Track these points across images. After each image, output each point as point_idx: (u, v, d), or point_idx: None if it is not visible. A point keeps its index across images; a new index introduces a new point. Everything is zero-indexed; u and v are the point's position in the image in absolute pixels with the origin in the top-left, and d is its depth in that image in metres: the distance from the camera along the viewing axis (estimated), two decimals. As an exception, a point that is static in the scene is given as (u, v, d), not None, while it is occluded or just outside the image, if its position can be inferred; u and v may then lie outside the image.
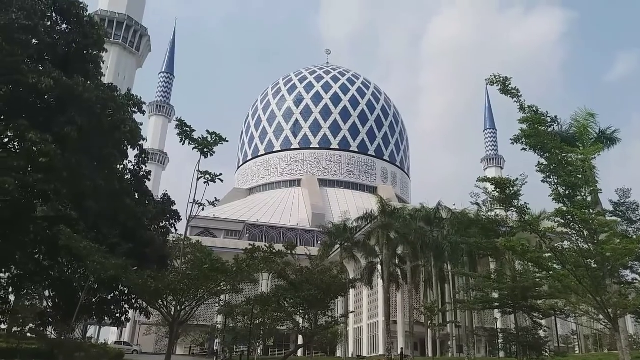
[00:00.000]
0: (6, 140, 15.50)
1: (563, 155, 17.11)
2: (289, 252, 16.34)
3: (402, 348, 37.16)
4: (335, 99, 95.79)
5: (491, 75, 17.42)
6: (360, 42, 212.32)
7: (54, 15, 15.62)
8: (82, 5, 15.45)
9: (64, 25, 16.02)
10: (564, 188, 16.93)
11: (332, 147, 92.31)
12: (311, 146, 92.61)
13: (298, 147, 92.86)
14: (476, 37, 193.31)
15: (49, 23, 15.37)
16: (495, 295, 24.38)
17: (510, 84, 16.97)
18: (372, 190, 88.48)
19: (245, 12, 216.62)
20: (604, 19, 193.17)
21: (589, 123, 23.16)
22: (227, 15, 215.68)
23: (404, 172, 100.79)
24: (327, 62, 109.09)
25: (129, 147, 18.55)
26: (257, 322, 35.61)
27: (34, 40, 14.80)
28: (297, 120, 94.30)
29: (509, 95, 17.17)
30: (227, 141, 16.45)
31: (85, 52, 16.25)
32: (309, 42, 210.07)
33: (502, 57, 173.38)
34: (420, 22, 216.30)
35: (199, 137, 16.05)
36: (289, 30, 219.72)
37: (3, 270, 20.44)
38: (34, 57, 14.88)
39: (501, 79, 17.03)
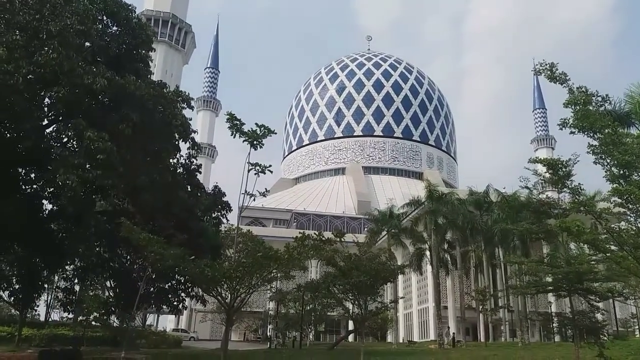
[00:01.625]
0: (65, 139, 16.40)
1: (617, 134, 16.46)
2: (338, 239, 16.54)
3: (454, 333, 36.90)
4: (378, 86, 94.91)
5: (537, 64, 16.87)
6: (401, 27, 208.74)
7: (104, 18, 16.36)
8: (130, 8, 16.09)
9: (114, 28, 16.75)
10: (618, 168, 16.32)
11: (375, 134, 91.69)
12: (354, 134, 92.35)
13: (341, 135, 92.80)
14: (520, 15, 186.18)
15: (100, 26, 16.12)
16: (549, 279, 23.82)
17: (557, 69, 16.37)
18: (418, 175, 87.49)
19: (284, 4, 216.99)
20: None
21: (645, 98, 22.08)
22: (267, 8, 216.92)
23: (451, 157, 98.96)
24: (369, 49, 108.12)
25: (181, 140, 19.19)
26: (308, 308, 36.26)
27: (87, 43, 15.55)
28: (339, 108, 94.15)
29: (557, 82, 16.60)
30: (276, 133, 16.79)
31: (135, 51, 16.94)
32: (350, 30, 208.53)
33: (550, 35, 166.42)
34: (461, 2, 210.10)
35: (249, 130, 16.42)
36: (329, 20, 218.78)
37: (68, 262, 21.78)
38: (88, 59, 15.61)
39: (547, 65, 16.47)
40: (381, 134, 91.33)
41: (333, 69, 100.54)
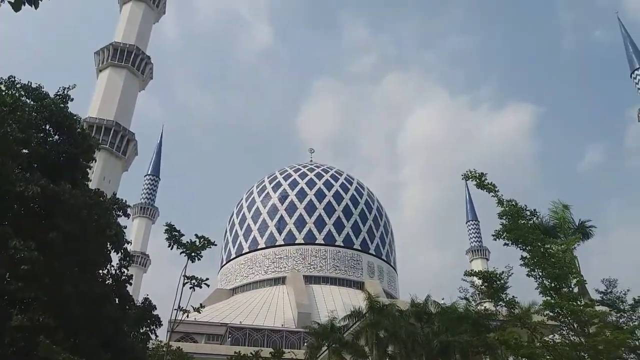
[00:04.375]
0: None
1: (545, 247, 17.37)
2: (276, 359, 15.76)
3: None
4: (320, 195, 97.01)
5: (467, 171, 18.01)
6: (340, 141, 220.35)
7: (47, 127, 16.26)
8: (75, 118, 16.15)
9: (57, 136, 16.62)
10: (549, 280, 17.00)
11: (317, 242, 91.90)
12: (296, 242, 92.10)
13: (283, 243, 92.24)
14: (450, 133, 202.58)
15: (41, 134, 15.95)
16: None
17: (486, 179, 17.52)
18: (359, 285, 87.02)
19: (228, 117, 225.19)
20: (571, 113, 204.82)
21: (566, 215, 23.79)
22: (212, 119, 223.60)
23: (390, 266, 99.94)
24: (311, 160, 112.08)
25: (113, 250, 18.44)
26: None
27: (24, 151, 15.24)
28: (282, 216, 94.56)
29: (485, 190, 17.68)
30: (215, 244, 16.50)
31: (74, 160, 16.70)
32: (292, 142, 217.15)
33: (477, 151, 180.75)
34: (395, 121, 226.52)
35: (187, 241, 16.07)
36: (273, 133, 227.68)
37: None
38: (24, 166, 15.20)
39: (477, 174, 17.57)
40: (323, 242, 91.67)
41: (276, 178, 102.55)
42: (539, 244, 18.23)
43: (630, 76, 76.76)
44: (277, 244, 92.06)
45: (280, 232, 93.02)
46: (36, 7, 6.65)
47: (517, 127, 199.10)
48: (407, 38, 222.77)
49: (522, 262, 18.37)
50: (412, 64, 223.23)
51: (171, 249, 16.18)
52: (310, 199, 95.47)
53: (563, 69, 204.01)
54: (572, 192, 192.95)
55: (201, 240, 16.17)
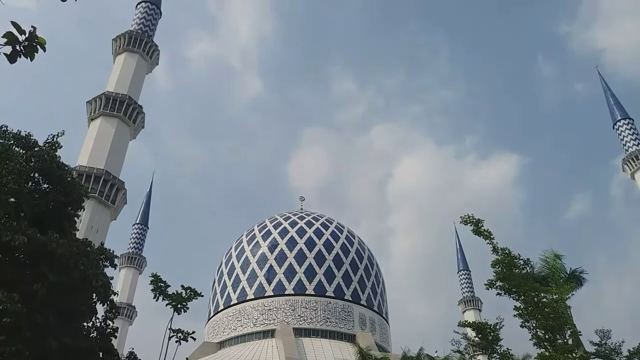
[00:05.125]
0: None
1: (539, 297, 17.22)
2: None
3: None
4: (310, 244, 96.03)
5: (465, 216, 18.05)
6: (330, 189, 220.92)
7: (36, 175, 16.20)
8: (66, 168, 16.11)
9: (45, 185, 16.53)
10: (543, 332, 16.77)
11: (307, 292, 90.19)
12: (286, 292, 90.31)
13: (272, 294, 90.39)
14: (437, 182, 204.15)
15: (31, 183, 15.86)
16: None
17: (482, 225, 17.58)
18: (351, 338, 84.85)
19: (218, 166, 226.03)
20: (555, 163, 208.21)
21: (558, 264, 23.76)
22: (201, 169, 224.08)
23: (382, 318, 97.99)
24: (302, 208, 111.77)
25: (99, 302, 18.00)
26: None
27: (11, 199, 15.10)
28: (271, 266, 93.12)
29: (481, 237, 17.69)
30: (202, 296, 16.16)
31: (63, 209, 16.55)
32: (282, 191, 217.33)
33: (465, 200, 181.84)
34: (384, 170, 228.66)
35: (174, 293, 15.72)
36: (261, 181, 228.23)
37: None
38: (11, 215, 15.01)
39: (474, 220, 17.63)
40: (313, 292, 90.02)
41: (266, 226, 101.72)
42: (533, 293, 18.09)
43: (613, 127, 78.84)
44: (266, 294, 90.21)
45: (269, 283, 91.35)
46: (32, 59, 6.74)
47: (503, 176, 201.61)
48: (394, 92, 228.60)
49: (516, 313, 18.14)
50: (399, 115, 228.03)
51: (157, 300, 15.80)
52: (301, 248, 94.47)
53: (546, 120, 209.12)
54: (559, 241, 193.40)
55: (187, 291, 15.83)
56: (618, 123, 77.93)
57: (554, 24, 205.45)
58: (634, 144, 74.48)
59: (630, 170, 72.51)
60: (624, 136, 76.57)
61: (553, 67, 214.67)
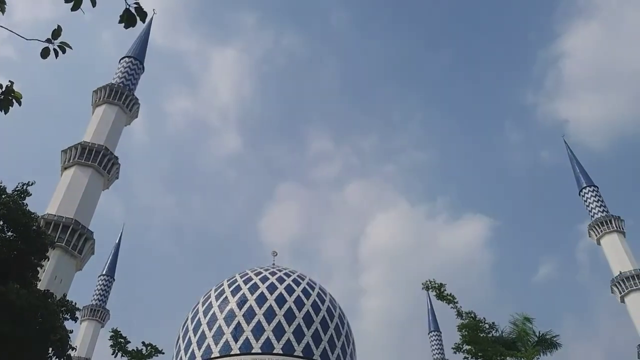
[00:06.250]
0: None
1: (505, 361, 17.28)
2: None
3: None
4: (281, 300, 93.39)
5: (427, 281, 18.27)
6: (302, 245, 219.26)
7: (1, 223, 15.92)
8: (33, 216, 15.93)
9: (10, 233, 16.23)
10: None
11: (275, 351, 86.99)
12: (252, 351, 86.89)
13: (238, 352, 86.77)
14: (409, 241, 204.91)
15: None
16: None
17: (445, 290, 17.77)
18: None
19: (190, 219, 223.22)
20: (523, 227, 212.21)
21: (527, 327, 23.94)
22: (173, 222, 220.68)
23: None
24: (274, 264, 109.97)
25: (55, 357, 17.31)
26: None
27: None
28: (239, 322, 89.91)
29: (444, 301, 17.86)
30: (163, 353, 15.81)
31: (26, 258, 16.19)
32: (255, 246, 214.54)
33: (436, 260, 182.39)
34: (357, 227, 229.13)
35: (133, 349, 15.29)
36: (234, 236, 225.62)
37: None
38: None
39: (436, 285, 17.85)
40: (281, 352, 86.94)
41: (236, 281, 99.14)
42: (499, 358, 18.19)
43: (579, 194, 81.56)
44: (232, 353, 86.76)
45: (236, 341, 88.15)
46: (6, 113, 6.96)
47: (474, 237, 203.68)
48: (369, 151, 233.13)
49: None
50: (373, 174, 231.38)
51: (115, 356, 15.34)
52: (271, 305, 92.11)
53: (515, 184, 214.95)
54: (528, 304, 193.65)
55: (148, 348, 15.47)
56: (584, 190, 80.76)
57: (521, 94, 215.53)
58: (599, 211, 76.97)
59: (596, 236, 74.58)
60: (589, 203, 79.19)
61: (520, 134, 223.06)
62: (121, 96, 59.53)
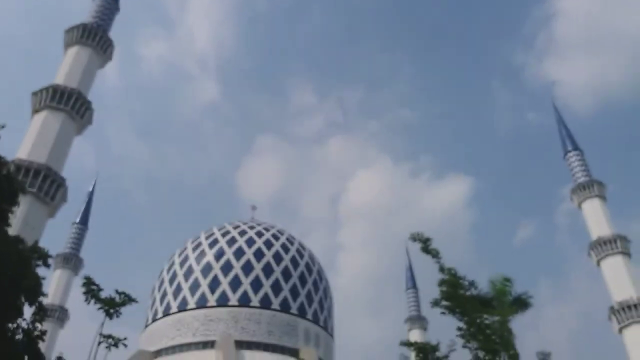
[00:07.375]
0: None
1: (482, 318, 17.43)
2: None
3: None
4: (259, 254, 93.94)
5: (414, 233, 18.22)
6: (282, 200, 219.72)
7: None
8: (2, 161, 15.05)
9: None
10: (483, 353, 16.95)
11: (252, 304, 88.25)
12: (229, 303, 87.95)
13: (215, 304, 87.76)
14: (391, 199, 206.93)
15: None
16: None
17: (430, 244, 17.77)
18: (294, 353, 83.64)
19: (166, 171, 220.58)
20: (505, 188, 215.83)
21: (506, 287, 24.21)
22: (148, 172, 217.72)
23: (328, 333, 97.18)
24: (252, 218, 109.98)
25: (27, 303, 16.84)
26: None
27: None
28: (216, 275, 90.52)
29: (429, 255, 17.87)
30: (137, 301, 15.48)
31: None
32: (233, 199, 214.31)
33: (418, 219, 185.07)
34: (338, 184, 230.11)
35: (107, 297, 14.90)
36: (211, 189, 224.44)
37: None
38: None
39: (423, 238, 17.84)
40: (258, 304, 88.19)
41: (214, 234, 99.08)
42: (476, 314, 18.28)
43: (564, 157, 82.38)
44: (208, 304, 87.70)
45: (212, 292, 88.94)
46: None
47: (456, 197, 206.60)
48: (353, 106, 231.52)
49: (459, 333, 18.30)
50: (357, 130, 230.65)
51: (88, 303, 14.97)
52: (249, 258, 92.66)
53: (499, 146, 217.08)
54: (506, 266, 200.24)
55: (121, 296, 15.09)
56: (569, 154, 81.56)
57: (510, 53, 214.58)
58: (582, 175, 77.96)
59: (578, 200, 75.66)
60: (573, 167, 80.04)
61: (508, 94, 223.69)
62: (95, 37, 56.65)
